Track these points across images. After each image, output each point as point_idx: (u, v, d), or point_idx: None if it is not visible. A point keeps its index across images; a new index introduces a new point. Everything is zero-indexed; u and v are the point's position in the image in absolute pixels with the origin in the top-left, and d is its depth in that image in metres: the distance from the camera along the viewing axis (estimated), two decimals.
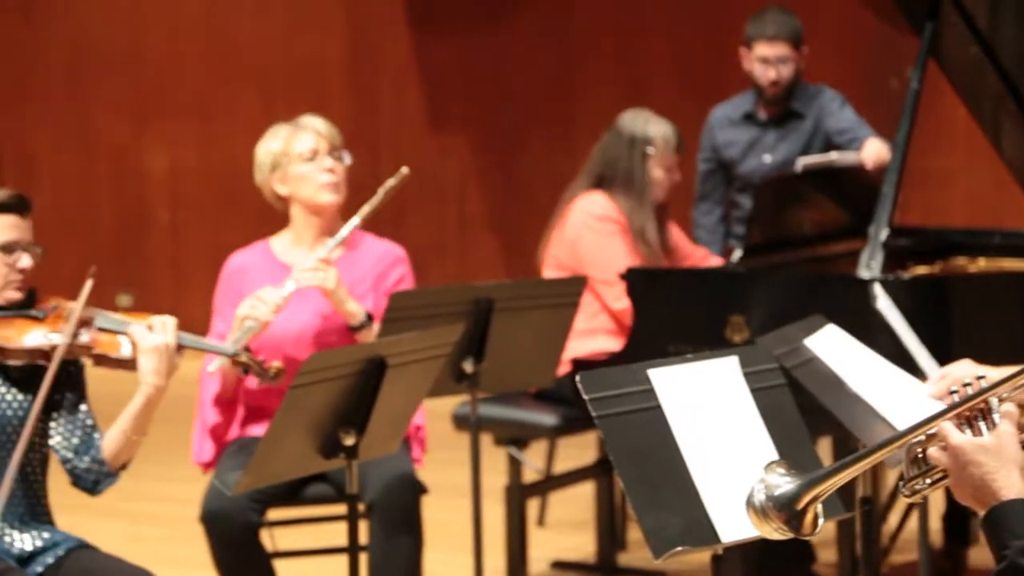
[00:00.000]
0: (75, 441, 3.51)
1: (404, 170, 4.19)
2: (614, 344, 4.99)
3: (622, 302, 4.97)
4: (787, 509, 2.34)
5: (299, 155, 4.24)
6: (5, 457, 3.46)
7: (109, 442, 3.50)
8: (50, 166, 9.16)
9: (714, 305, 4.48)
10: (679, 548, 2.83)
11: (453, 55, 8.57)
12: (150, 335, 3.47)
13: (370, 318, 4.19)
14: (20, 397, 3.48)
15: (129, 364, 3.50)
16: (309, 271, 4.11)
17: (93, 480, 3.52)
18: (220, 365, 4.06)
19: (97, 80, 9.11)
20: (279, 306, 4.05)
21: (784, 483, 2.35)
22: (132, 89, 9.07)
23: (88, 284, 3.49)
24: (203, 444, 4.27)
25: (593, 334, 5.02)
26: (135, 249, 9.07)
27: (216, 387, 4.21)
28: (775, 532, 2.35)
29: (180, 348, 3.52)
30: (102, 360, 3.52)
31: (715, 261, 5.40)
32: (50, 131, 9.18)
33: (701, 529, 2.86)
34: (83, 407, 3.54)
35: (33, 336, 3.47)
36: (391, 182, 4.16)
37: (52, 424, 3.51)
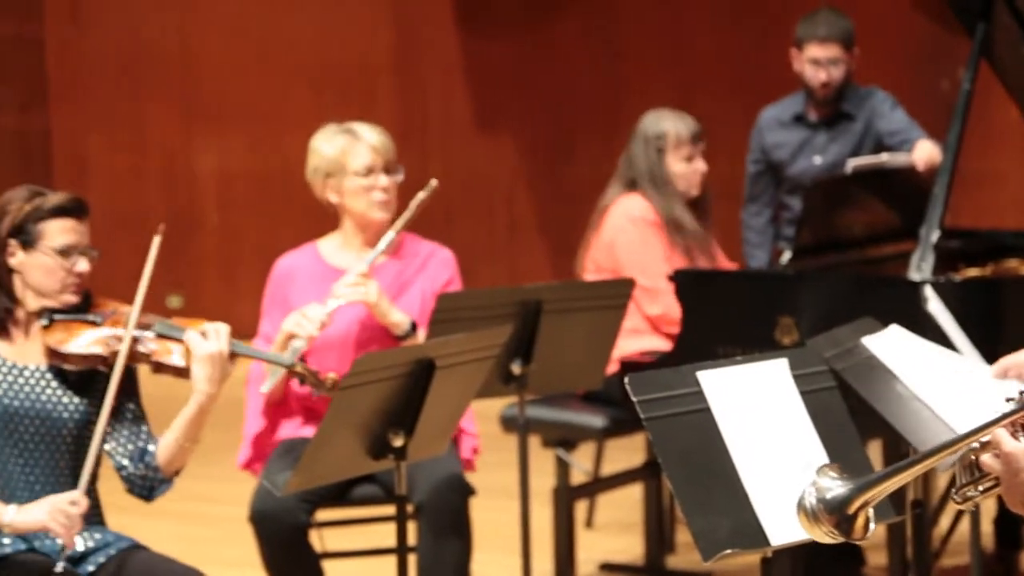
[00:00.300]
0: (130, 448, 3.52)
1: (433, 182, 4.22)
2: (659, 343, 4.98)
3: (656, 307, 4.97)
4: (838, 513, 2.33)
5: (354, 171, 4.26)
6: (60, 459, 3.48)
7: (163, 449, 3.52)
8: (101, 166, 9.22)
9: (763, 307, 4.46)
10: (728, 551, 2.82)
11: (501, 57, 8.58)
12: (204, 343, 3.48)
13: (414, 327, 4.20)
14: (76, 400, 3.50)
15: (186, 372, 3.52)
16: (350, 287, 4.12)
17: (148, 487, 3.53)
18: (272, 386, 4.08)
19: (148, 81, 9.16)
20: (324, 323, 4.07)
21: (836, 486, 2.33)
22: (183, 90, 9.12)
23: (155, 242, 3.51)
24: (247, 450, 4.30)
25: (637, 333, 5.02)
26: (185, 250, 9.12)
27: (263, 401, 4.23)
28: (826, 536, 2.34)
29: (233, 356, 3.53)
30: (160, 368, 3.54)
31: None
32: (102, 132, 9.24)
33: (751, 532, 2.85)
34: (138, 413, 3.56)
35: (93, 342, 3.48)
36: (422, 195, 4.18)
37: (107, 430, 3.53)
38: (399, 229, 4.22)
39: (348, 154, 4.26)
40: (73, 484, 3.49)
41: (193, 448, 3.53)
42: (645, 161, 5.09)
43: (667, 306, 4.90)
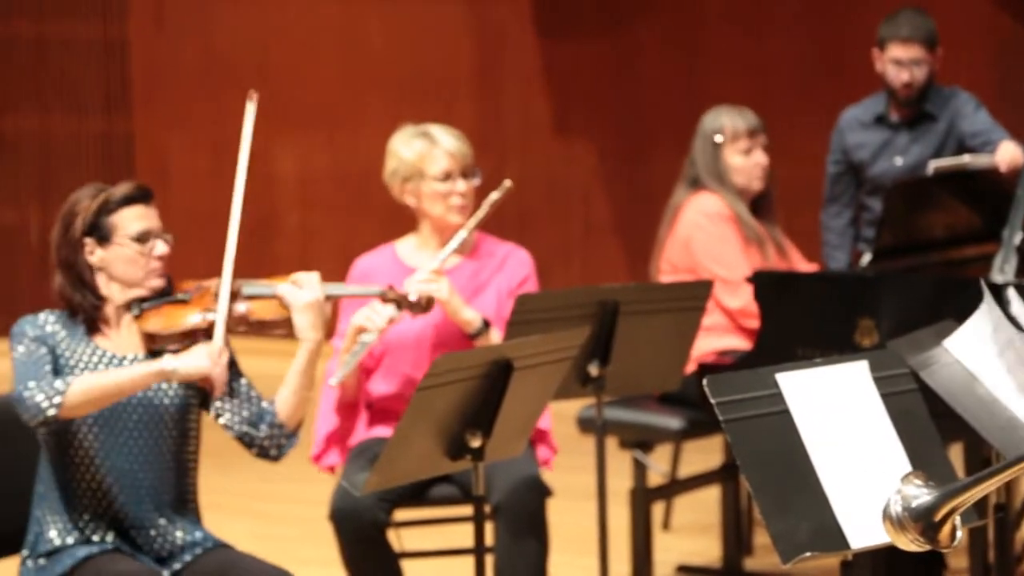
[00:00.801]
0: (246, 414, 3.55)
1: (507, 183, 4.23)
2: (736, 341, 4.96)
3: (736, 300, 4.95)
4: (924, 520, 2.31)
5: (432, 176, 4.28)
6: (163, 446, 3.51)
7: (282, 404, 3.55)
8: (182, 169, 9.30)
9: (843, 309, 4.43)
10: (808, 554, 2.80)
11: (580, 61, 8.57)
12: (300, 292, 3.53)
13: (487, 324, 4.21)
14: (176, 387, 3.53)
15: (284, 325, 3.55)
16: (421, 283, 4.13)
17: (276, 445, 3.56)
18: (341, 379, 4.10)
19: (229, 84, 9.23)
20: (393, 319, 4.07)
21: (922, 495, 2.32)
22: (263, 94, 9.16)
23: (250, 108, 3.55)
24: (319, 446, 4.31)
25: (714, 331, 5.00)
26: (265, 252, 9.18)
27: (335, 396, 4.26)
28: (911, 544, 2.33)
29: (328, 298, 3.58)
30: (261, 326, 3.57)
31: None
32: (183, 134, 9.33)
33: (830, 535, 2.84)
34: (242, 380, 3.59)
35: (189, 318, 3.51)
36: (495, 195, 4.20)
37: (217, 404, 3.55)
38: (472, 228, 4.24)
39: (426, 159, 4.28)
40: (176, 470, 3.52)
41: (310, 397, 3.57)
42: (703, 157, 5.10)
43: (747, 299, 4.88)
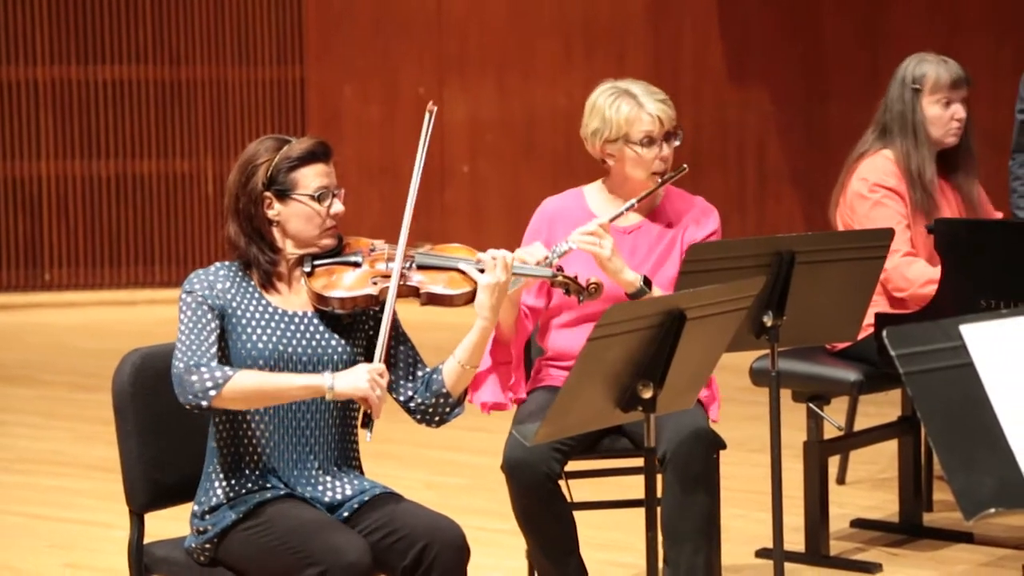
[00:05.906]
0: (411, 381, 3.55)
1: (684, 167, 4.20)
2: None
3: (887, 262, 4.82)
4: None
5: (637, 141, 4.22)
6: (328, 404, 3.50)
7: (449, 374, 3.55)
8: (354, 117, 9.37)
9: None
10: (992, 510, 2.72)
11: (755, 7, 8.44)
12: (486, 275, 3.50)
13: (648, 285, 4.14)
14: (344, 343, 3.53)
15: (455, 299, 3.52)
16: (587, 235, 4.07)
17: (442, 412, 3.55)
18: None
19: (401, 33, 9.26)
20: (554, 265, 4.00)
21: None
22: (434, 42, 9.19)
23: (427, 119, 3.52)
24: (483, 387, 4.27)
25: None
26: (435, 200, 9.20)
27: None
28: None
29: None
30: (431, 299, 3.54)
31: None
32: (355, 83, 9.39)
33: (1016, 490, 2.75)
34: (408, 345, 3.58)
35: (360, 283, 3.50)
36: (671, 175, 4.19)
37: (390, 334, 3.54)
38: (641, 198, 4.19)
39: (632, 124, 4.22)
40: (340, 428, 3.53)
41: (474, 372, 3.55)
42: (899, 104, 4.94)
43: (893, 263, 4.75)
